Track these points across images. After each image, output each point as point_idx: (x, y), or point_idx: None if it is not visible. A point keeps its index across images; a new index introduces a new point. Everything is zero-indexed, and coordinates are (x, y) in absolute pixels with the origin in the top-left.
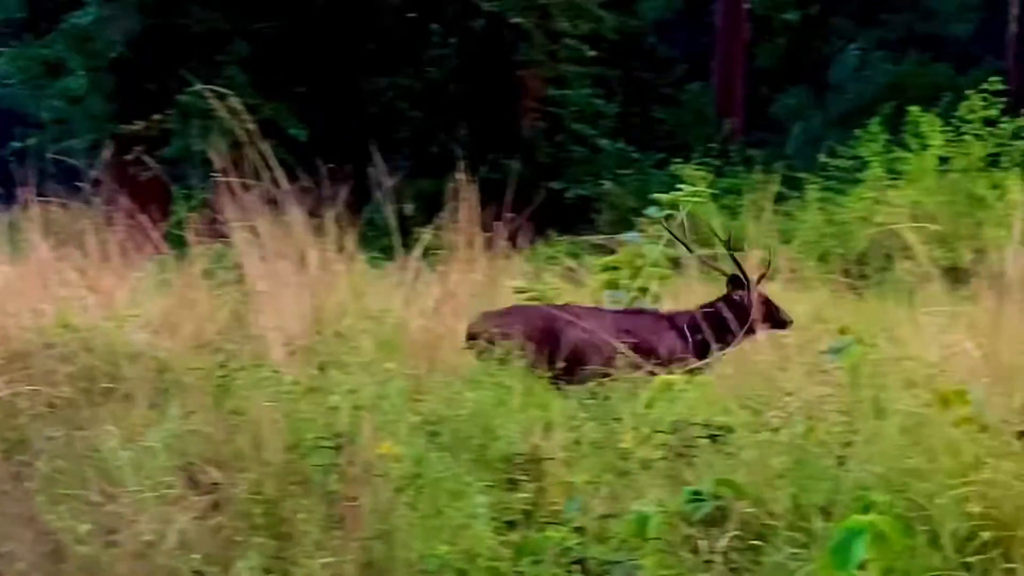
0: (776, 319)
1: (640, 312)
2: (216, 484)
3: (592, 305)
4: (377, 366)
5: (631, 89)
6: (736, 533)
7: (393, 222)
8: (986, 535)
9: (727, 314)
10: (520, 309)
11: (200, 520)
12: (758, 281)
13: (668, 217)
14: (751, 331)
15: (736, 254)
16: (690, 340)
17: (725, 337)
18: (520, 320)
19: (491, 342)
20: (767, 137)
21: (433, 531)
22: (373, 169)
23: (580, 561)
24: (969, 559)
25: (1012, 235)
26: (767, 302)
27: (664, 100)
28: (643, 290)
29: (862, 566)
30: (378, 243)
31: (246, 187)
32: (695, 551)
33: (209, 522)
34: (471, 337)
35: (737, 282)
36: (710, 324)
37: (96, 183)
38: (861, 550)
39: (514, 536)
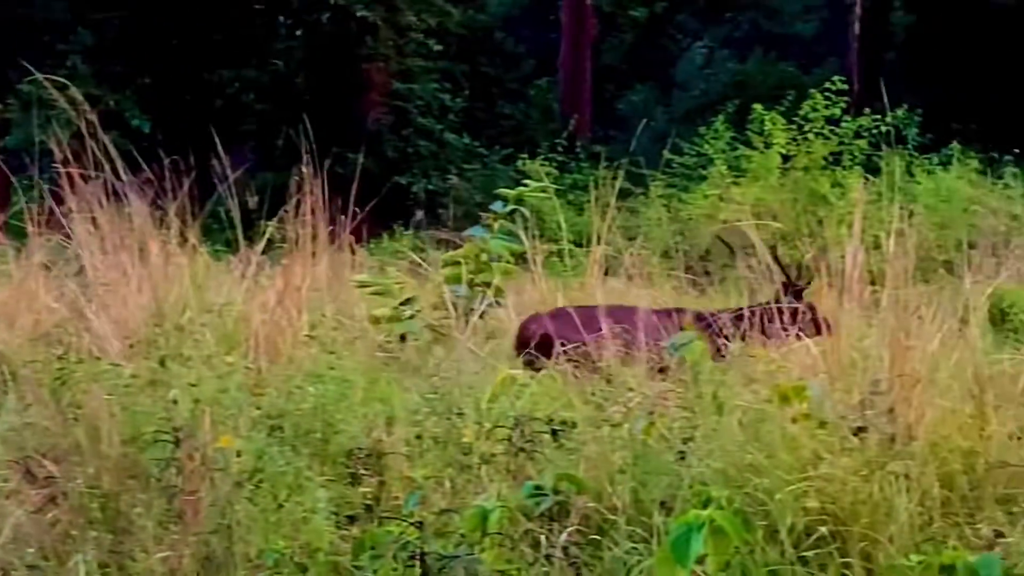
0: (819, 326)
1: (680, 311)
2: (53, 478)
3: (631, 305)
4: (218, 360)
5: (478, 84)
6: (577, 528)
7: (236, 215)
8: (823, 529)
9: (774, 317)
10: (567, 311)
11: (36, 514)
12: (805, 287)
13: (513, 212)
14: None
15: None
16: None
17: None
18: (573, 322)
19: (544, 345)
20: (613, 134)
21: (273, 526)
22: (217, 161)
23: (420, 556)
24: (806, 553)
25: (852, 233)
26: (812, 308)
27: (511, 96)
28: (486, 285)
29: (700, 560)
30: (221, 236)
31: (87, 178)
32: (535, 545)
33: (45, 516)
34: (523, 343)
35: (787, 287)
36: (753, 325)
37: None
38: (699, 545)
39: (354, 530)
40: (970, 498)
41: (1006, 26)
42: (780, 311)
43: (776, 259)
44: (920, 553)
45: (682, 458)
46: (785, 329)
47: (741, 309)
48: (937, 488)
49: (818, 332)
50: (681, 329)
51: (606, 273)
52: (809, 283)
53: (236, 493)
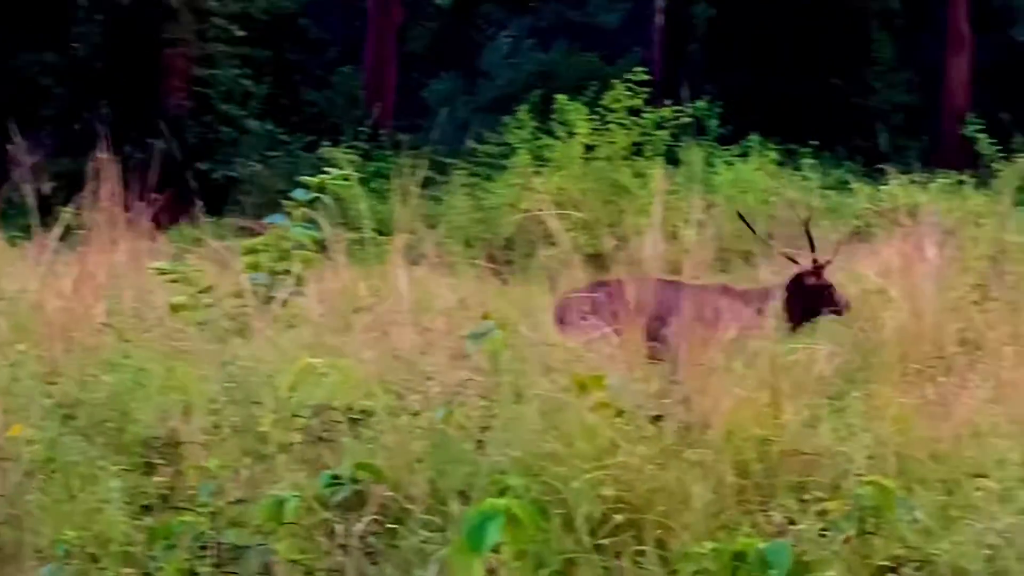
0: (836, 304)
1: (724, 287)
2: None
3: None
4: (10, 348)
5: (281, 71)
6: (374, 517)
7: (33, 201)
8: (619, 518)
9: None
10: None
11: None
12: (823, 267)
13: (315, 200)
14: (815, 314)
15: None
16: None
17: (793, 317)
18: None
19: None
20: (418, 122)
21: (65, 516)
22: (13, 147)
23: (214, 546)
24: (602, 541)
25: (652, 222)
26: (829, 287)
27: (315, 83)
28: (287, 273)
29: (496, 549)
30: (17, 222)
31: None
32: (331, 535)
33: None
34: (561, 320)
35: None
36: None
37: None
38: (495, 533)
39: (148, 521)
40: (764, 485)
41: (805, 19)
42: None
43: (809, 236)
44: (714, 540)
45: (480, 447)
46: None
47: (768, 288)
48: (732, 476)
49: (837, 310)
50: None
51: (411, 262)
52: (828, 263)
53: (27, 483)
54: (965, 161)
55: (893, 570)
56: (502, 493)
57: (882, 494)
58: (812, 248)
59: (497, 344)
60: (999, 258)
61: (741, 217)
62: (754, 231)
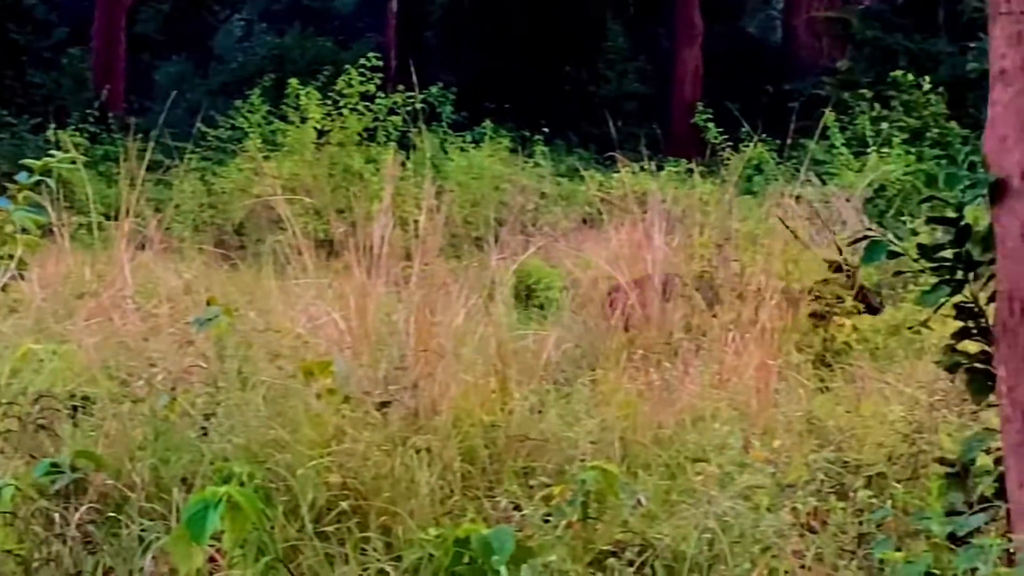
0: (870, 304)
1: None
2: None
3: None
4: None
5: (7, 52)
6: (94, 505)
7: None
8: (344, 505)
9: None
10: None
11: None
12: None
13: (39, 183)
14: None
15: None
16: None
17: None
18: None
19: None
20: (148, 105)
21: None
22: None
23: None
24: (326, 528)
25: (382, 208)
26: (862, 287)
27: (42, 64)
28: (10, 257)
29: (217, 537)
30: None
31: None
32: (49, 524)
33: None
34: None
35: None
36: None
37: None
38: (215, 521)
39: None
40: (490, 471)
41: (540, 7)
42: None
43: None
44: (439, 527)
45: (204, 434)
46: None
47: None
48: (459, 462)
49: (872, 310)
50: None
51: (138, 247)
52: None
53: None
54: (695, 150)
55: (615, 554)
56: (226, 481)
57: (606, 479)
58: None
59: (223, 330)
60: (724, 245)
61: (782, 222)
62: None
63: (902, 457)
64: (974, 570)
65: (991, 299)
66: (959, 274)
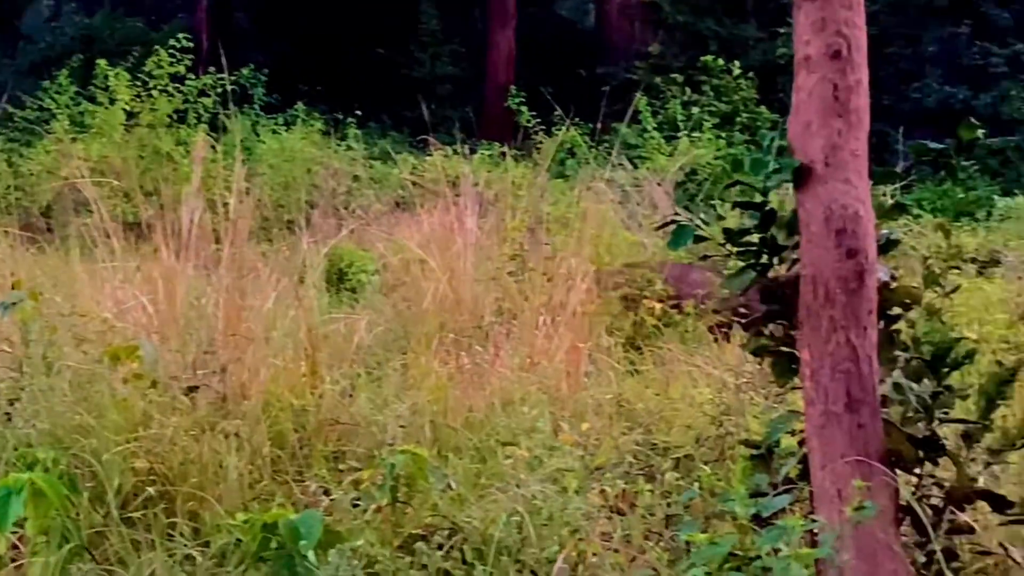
0: None
1: None
2: None
3: None
4: None
5: None
6: None
7: None
8: (151, 490)
9: None
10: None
11: None
12: None
13: None
14: None
15: None
16: None
17: None
18: None
19: None
20: None
21: None
22: None
23: None
24: (133, 514)
25: (192, 190)
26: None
27: None
28: None
29: (20, 524)
30: None
31: None
32: None
33: None
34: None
35: None
36: None
37: None
38: (18, 508)
39: None
40: (300, 456)
41: None
42: None
43: None
44: (248, 512)
45: (8, 419)
46: None
47: None
48: (268, 447)
49: None
50: None
51: None
52: None
53: None
54: (508, 133)
55: (424, 538)
56: (30, 467)
57: (415, 463)
58: None
59: (27, 314)
60: (536, 228)
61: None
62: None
63: (709, 439)
64: (777, 551)
65: (796, 283)
66: (764, 258)
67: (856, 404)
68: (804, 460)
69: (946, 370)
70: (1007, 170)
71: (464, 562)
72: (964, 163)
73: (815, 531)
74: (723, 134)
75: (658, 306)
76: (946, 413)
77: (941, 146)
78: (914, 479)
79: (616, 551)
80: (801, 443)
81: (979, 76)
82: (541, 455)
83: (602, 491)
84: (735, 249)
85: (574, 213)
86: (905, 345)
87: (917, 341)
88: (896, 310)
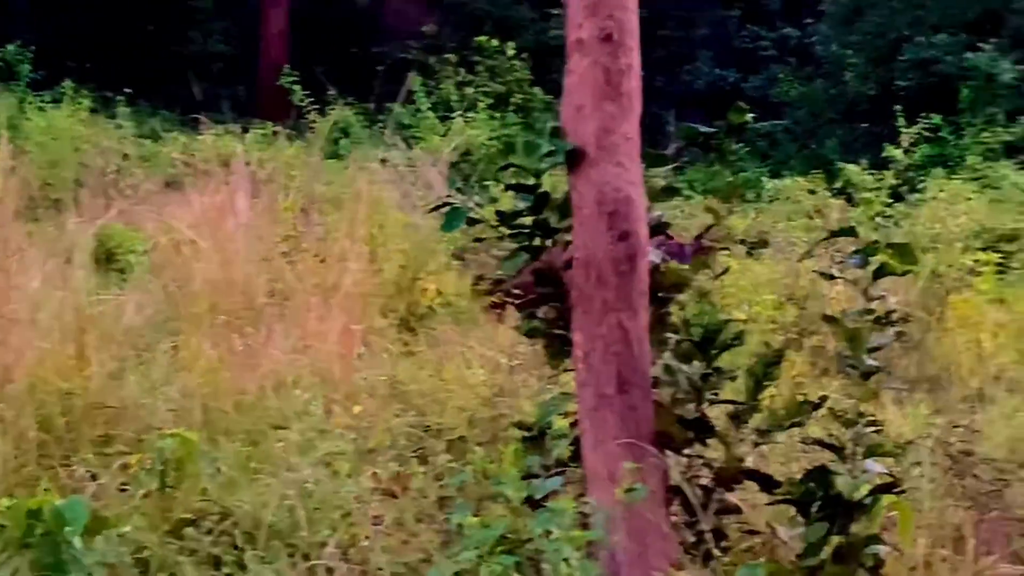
0: None
1: None
2: None
3: None
4: None
5: None
6: None
7: None
8: None
9: None
10: None
11: None
12: None
13: None
14: None
15: None
16: None
17: None
18: None
19: None
20: None
21: None
22: None
23: None
24: None
25: None
26: None
27: None
28: None
29: None
30: None
31: None
32: None
33: None
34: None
35: None
36: None
37: None
38: None
39: None
40: (67, 440)
41: None
42: None
43: None
44: (12, 497)
45: None
46: None
47: None
48: (34, 431)
49: None
50: None
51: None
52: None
53: None
54: (282, 112)
55: (194, 523)
56: None
57: (185, 447)
58: None
59: None
60: (310, 209)
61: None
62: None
63: (483, 421)
64: (549, 533)
65: (568, 265)
66: (537, 241)
67: (628, 386)
68: (576, 442)
69: (715, 352)
70: (775, 152)
71: (235, 547)
72: (734, 145)
73: (587, 513)
74: (497, 115)
75: (432, 287)
76: (716, 394)
77: (710, 129)
78: (684, 460)
79: (388, 534)
80: (573, 425)
81: (749, 59)
82: (313, 438)
83: (375, 474)
84: (508, 232)
85: (348, 194)
86: (676, 327)
87: (687, 323)
88: (667, 292)
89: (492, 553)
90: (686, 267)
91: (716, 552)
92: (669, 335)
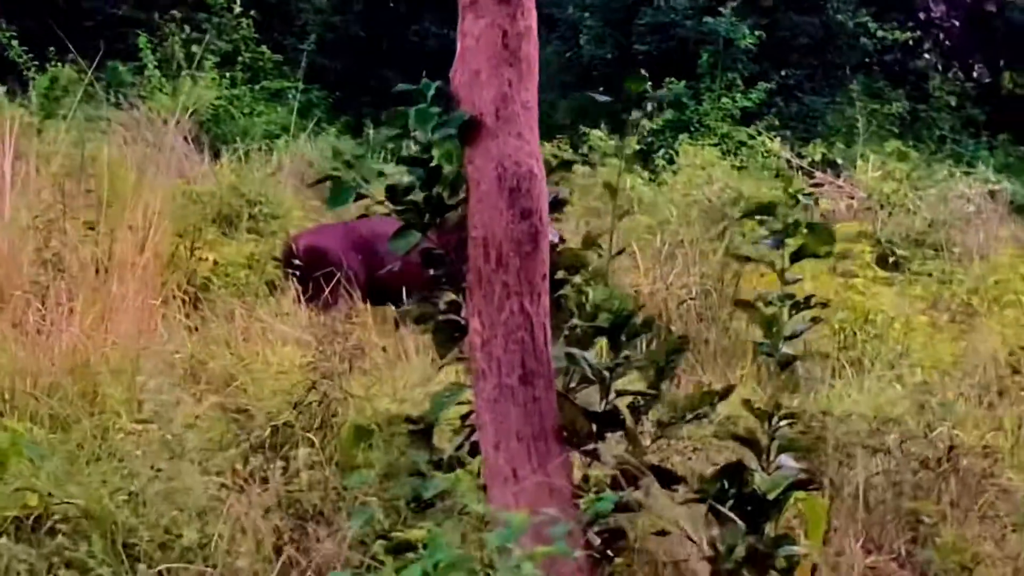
0: None
1: None
2: None
3: None
4: None
5: None
6: None
7: None
8: None
9: None
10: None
11: None
12: None
13: None
14: None
15: None
16: None
17: None
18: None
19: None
20: None
21: None
22: None
23: None
24: None
25: None
26: None
27: None
28: None
29: None
30: None
31: None
32: None
33: None
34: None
35: None
36: None
37: None
38: None
39: None
40: None
41: None
42: None
43: None
44: None
45: None
46: None
47: None
48: None
49: None
50: None
51: None
52: None
53: None
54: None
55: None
56: None
57: (10, 438)
58: None
59: None
60: (76, 174)
61: None
62: None
63: (310, 406)
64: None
65: (461, 245)
66: (427, 218)
67: (531, 376)
68: (468, 436)
69: (625, 339)
70: None
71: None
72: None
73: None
74: (227, 74)
75: (211, 256)
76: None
77: (606, 99)
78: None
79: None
80: (464, 417)
81: None
82: (125, 426)
83: (234, 470)
84: (397, 208)
85: (84, 157)
86: (571, 311)
87: (582, 307)
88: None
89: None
90: (580, 247)
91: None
92: (575, 322)
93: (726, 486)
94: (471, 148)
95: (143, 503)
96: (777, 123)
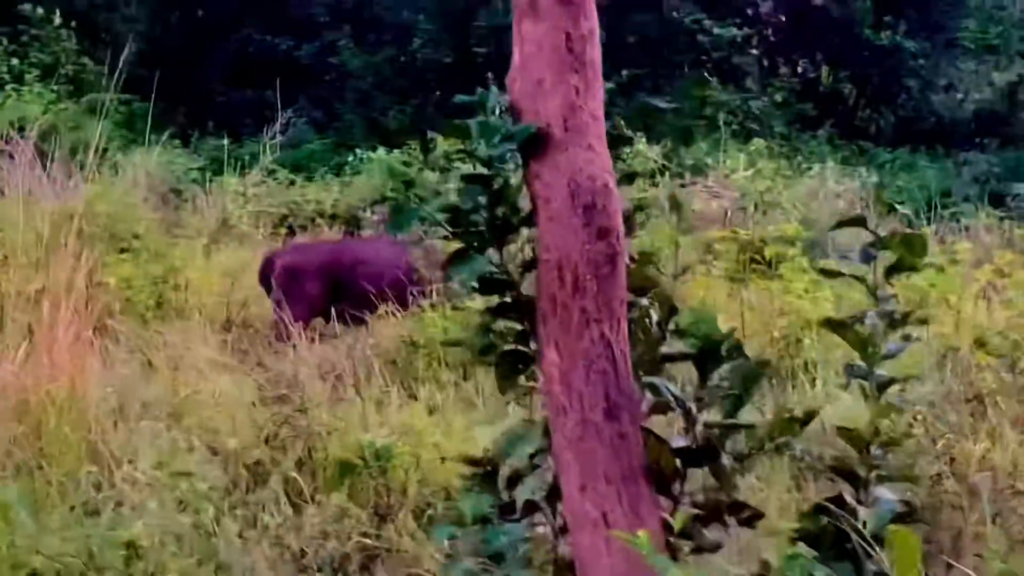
0: None
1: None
2: None
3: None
4: None
5: None
6: None
7: None
8: None
9: None
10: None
11: None
12: None
13: None
14: None
15: None
16: None
17: None
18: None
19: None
20: None
21: None
22: None
23: None
24: None
25: None
26: None
27: None
28: None
29: None
30: None
31: None
32: None
33: None
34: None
35: None
36: None
37: None
38: None
39: None
40: None
41: None
42: None
43: None
44: None
45: None
46: None
47: None
48: None
49: None
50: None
51: None
52: None
53: None
54: None
55: None
56: None
57: None
58: None
59: None
60: None
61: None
62: None
63: (284, 440)
64: None
65: (526, 268)
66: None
67: (615, 410)
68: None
69: (711, 367)
70: (339, 124)
71: None
72: None
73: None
74: (53, 87)
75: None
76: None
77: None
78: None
79: None
80: (532, 457)
81: (305, 26)
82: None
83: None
84: (455, 231)
85: None
86: (638, 338)
87: (647, 332)
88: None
89: None
90: (649, 269)
91: None
92: (664, 350)
93: (824, 523)
94: (537, 163)
95: (137, 555)
96: (623, 123)
